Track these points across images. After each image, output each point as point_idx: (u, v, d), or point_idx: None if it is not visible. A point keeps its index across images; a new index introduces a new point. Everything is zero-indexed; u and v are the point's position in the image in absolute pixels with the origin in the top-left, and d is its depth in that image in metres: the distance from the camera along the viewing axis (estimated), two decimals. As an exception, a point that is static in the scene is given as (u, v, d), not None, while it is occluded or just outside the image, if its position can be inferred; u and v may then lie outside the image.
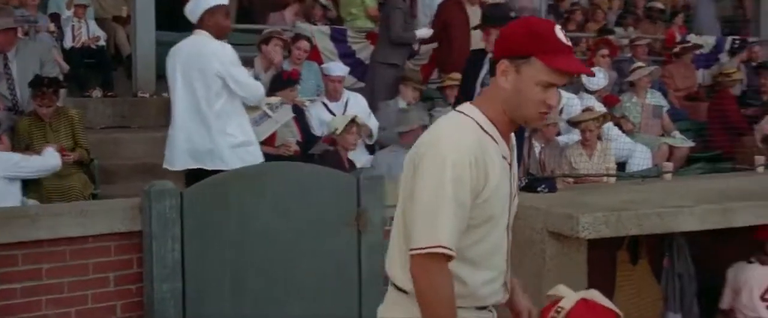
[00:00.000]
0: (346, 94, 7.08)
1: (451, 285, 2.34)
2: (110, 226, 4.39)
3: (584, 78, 8.06)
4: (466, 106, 2.48)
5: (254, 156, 5.27)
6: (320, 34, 8.51)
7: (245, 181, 4.69)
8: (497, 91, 2.43)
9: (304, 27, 8.35)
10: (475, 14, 8.01)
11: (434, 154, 2.34)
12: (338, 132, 6.20)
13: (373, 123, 6.91)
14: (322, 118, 6.85)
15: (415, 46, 8.35)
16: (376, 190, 4.90)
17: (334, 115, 6.78)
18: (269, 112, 5.95)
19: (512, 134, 2.53)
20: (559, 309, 2.15)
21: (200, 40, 5.21)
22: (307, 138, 6.55)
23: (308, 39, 7.68)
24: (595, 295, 2.23)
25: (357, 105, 6.98)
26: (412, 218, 2.36)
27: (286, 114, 6.18)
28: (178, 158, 5.26)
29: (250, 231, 4.60)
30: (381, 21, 8.13)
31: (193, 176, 5.04)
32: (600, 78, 7.97)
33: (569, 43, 2.39)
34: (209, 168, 5.12)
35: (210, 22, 5.21)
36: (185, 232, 4.42)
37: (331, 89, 7.05)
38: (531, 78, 2.36)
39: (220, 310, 4.56)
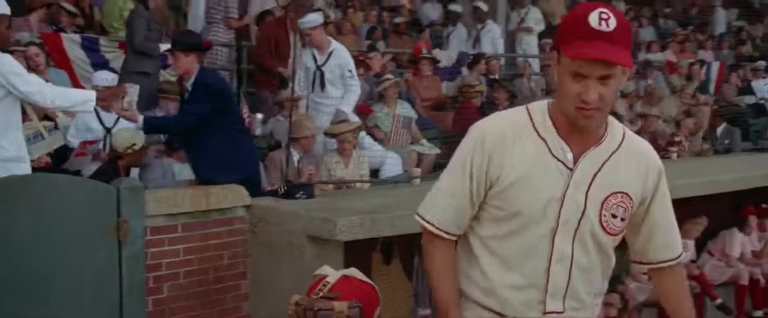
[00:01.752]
0: None
1: (444, 261, 2.40)
2: None
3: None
4: (539, 101, 2.38)
5: (25, 173, 5.00)
6: (70, 42, 8.21)
7: (-3, 194, 4.51)
8: None
9: (25, 35, 7.88)
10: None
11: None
12: (137, 148, 5.92)
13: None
14: (89, 125, 6.55)
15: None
16: (137, 200, 4.88)
17: (103, 124, 6.56)
18: (44, 133, 5.73)
19: (603, 145, 2.28)
20: (325, 283, 2.44)
21: None
22: (59, 150, 6.30)
23: (36, 43, 7.36)
24: (354, 272, 2.50)
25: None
26: None
27: (58, 140, 5.95)
28: None
29: (4, 245, 4.42)
30: (127, 29, 7.86)
31: None
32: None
33: (603, 28, 2.10)
34: None
35: None
36: (-70, 249, 4.20)
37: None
38: (564, 68, 2.16)
39: (-29, 329, 4.36)
